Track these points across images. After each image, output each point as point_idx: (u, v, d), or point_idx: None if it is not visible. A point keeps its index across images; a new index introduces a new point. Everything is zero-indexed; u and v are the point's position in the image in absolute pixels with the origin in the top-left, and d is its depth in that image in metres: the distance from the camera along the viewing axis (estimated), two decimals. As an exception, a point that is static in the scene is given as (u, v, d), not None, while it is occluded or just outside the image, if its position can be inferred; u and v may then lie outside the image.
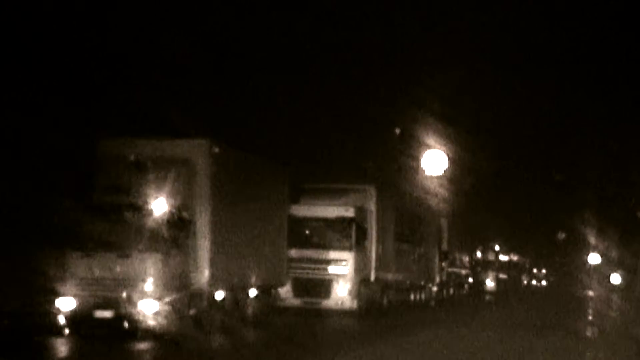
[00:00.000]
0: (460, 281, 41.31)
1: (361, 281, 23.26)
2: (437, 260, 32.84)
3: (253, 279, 17.90)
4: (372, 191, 24.50)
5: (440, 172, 39.39)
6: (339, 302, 22.68)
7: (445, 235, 35.26)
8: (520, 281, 70.44)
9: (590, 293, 62.93)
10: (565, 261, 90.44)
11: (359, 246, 23.22)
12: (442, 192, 39.31)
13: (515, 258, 67.97)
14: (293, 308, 22.62)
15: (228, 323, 16.26)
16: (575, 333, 20.46)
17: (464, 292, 41.33)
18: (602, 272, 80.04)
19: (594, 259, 75.09)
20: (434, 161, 37.11)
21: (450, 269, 36.84)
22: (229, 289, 16.73)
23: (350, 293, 22.71)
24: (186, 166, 15.50)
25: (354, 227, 23.05)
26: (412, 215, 29.02)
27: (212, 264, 15.70)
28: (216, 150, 15.91)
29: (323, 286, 22.70)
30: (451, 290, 37.29)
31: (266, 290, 19.76)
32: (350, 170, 28.10)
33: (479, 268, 48.95)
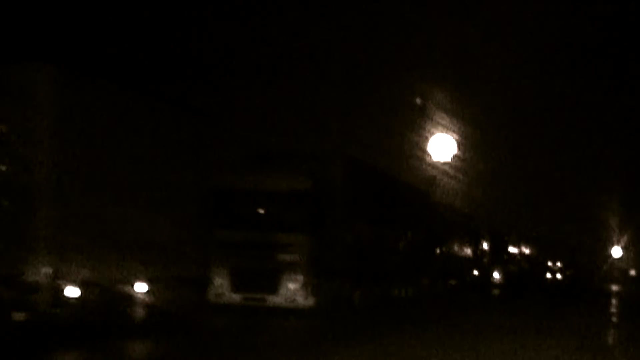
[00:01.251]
0: (461, 273, 35.98)
1: (321, 272, 18.04)
2: (429, 248, 27.48)
3: (140, 269, 12.68)
4: (339, 161, 19.27)
5: (448, 158, 35.04)
6: (290, 299, 17.48)
7: (443, 222, 30.03)
8: (533, 274, 64.75)
9: (614, 287, 58.25)
10: (583, 255, 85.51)
11: (318, 228, 17.99)
12: (448, 177, 34.87)
13: (527, 250, 62.42)
14: (232, 306, 17.51)
15: (80, 332, 11.10)
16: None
17: (466, 285, 35.94)
18: (621, 267, 75.39)
19: (617, 252, 71.09)
20: (442, 145, 33.74)
21: (448, 260, 31.58)
22: (89, 283, 11.45)
23: (304, 287, 17.50)
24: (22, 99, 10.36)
25: (311, 203, 17.82)
26: (397, 196, 23.73)
27: (56, 245, 10.54)
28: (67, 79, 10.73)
29: (269, 278, 17.52)
30: (449, 283, 31.94)
31: (181, 284, 14.59)
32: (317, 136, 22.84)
33: (485, 259, 43.51)
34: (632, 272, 76.85)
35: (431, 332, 15.93)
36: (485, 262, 43.77)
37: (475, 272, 40.73)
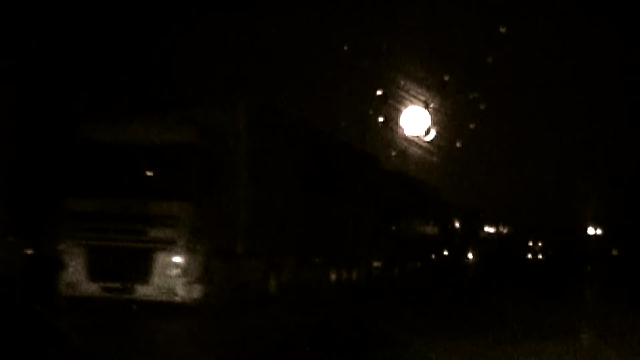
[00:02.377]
0: (426, 254, 31.38)
1: (213, 253, 13.30)
2: (381, 224, 22.75)
3: None
4: (242, 107, 14.49)
5: (422, 132, 30.73)
6: (167, 290, 12.70)
7: (400, 195, 25.35)
8: (512, 255, 60.19)
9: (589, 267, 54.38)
10: (563, 233, 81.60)
11: (209, 194, 13.22)
12: (418, 151, 30.65)
13: (505, 229, 58.05)
14: (88, 299, 12.76)
15: None
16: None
17: (433, 267, 31.35)
18: (603, 245, 71.66)
19: (592, 231, 67.43)
20: (415, 119, 29.20)
21: (408, 239, 26.91)
22: None
23: (187, 273, 12.73)
24: None
25: (195, 161, 13.02)
26: (332, 158, 18.97)
27: None
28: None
29: (138, 261, 12.74)
30: (412, 266, 27.28)
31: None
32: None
33: (457, 239, 39.01)
34: (615, 252, 72.70)
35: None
36: (457, 242, 39.29)
37: (445, 253, 36.24)
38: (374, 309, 15.30)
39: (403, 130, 29.74)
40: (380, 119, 29.55)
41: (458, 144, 36.27)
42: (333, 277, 18.68)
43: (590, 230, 70.06)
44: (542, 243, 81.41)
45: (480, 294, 20.58)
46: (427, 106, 30.84)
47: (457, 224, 39.21)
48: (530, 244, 78.61)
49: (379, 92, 27.51)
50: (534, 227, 73.06)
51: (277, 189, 15.46)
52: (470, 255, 41.63)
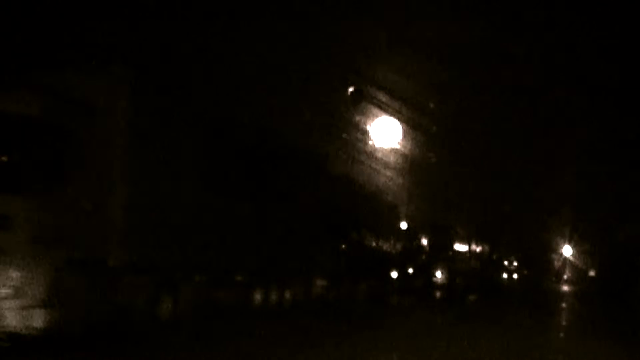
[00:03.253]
0: (386, 272, 27.85)
1: (73, 267, 9.69)
2: (326, 236, 19.19)
3: None
4: (121, 72, 10.92)
5: (394, 144, 27.45)
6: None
7: (352, 204, 21.85)
8: (486, 274, 56.78)
9: (565, 288, 51.41)
10: (538, 253, 78.70)
11: (64, 185, 9.63)
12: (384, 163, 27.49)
13: (479, 248, 54.62)
14: None
15: None
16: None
17: (394, 287, 27.81)
18: (579, 266, 68.84)
19: (567, 251, 64.64)
20: (386, 130, 25.90)
21: (363, 254, 23.35)
22: None
23: (20, 294, 9.14)
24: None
25: (44, 140, 9.44)
26: (264, 157, 15.41)
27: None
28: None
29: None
30: (361, 285, 23.67)
31: None
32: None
33: (424, 256, 35.52)
34: (592, 273, 69.66)
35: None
36: (424, 260, 35.79)
37: (410, 271, 32.71)
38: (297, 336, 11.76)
39: (370, 138, 26.73)
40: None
41: (431, 158, 33.18)
42: (258, 298, 15.04)
43: (567, 250, 67.27)
44: (517, 262, 78.40)
45: (439, 319, 17.10)
46: (398, 115, 27.55)
47: (424, 241, 35.78)
48: (506, 263, 75.41)
49: (350, 89, 24.53)
50: (508, 246, 69.96)
51: (176, 184, 11.89)
52: (439, 274, 38.12)
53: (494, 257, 62.31)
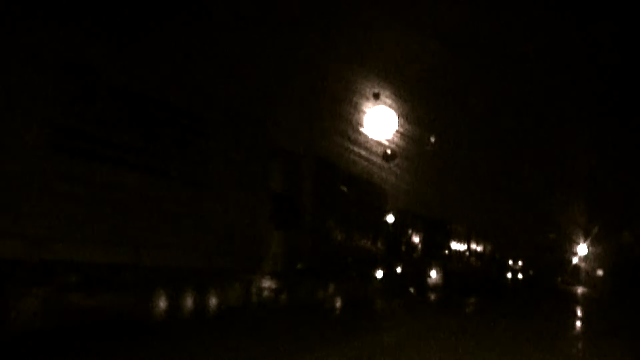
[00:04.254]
0: (367, 271, 24.06)
1: None
2: (277, 225, 15.39)
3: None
4: None
5: (389, 135, 24.40)
6: None
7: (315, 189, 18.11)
8: (488, 274, 52.65)
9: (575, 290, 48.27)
10: (545, 253, 74.87)
11: None
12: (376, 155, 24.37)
13: (480, 246, 50.65)
14: None
15: None
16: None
17: (376, 289, 24.01)
18: (587, 266, 65.31)
19: (582, 250, 61.40)
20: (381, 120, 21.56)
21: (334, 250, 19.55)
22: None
23: None
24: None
25: None
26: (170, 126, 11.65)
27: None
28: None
29: None
30: (330, 287, 19.81)
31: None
32: None
33: (416, 254, 31.71)
34: (600, 273, 65.79)
35: None
36: (416, 258, 31.98)
37: (399, 270, 28.96)
38: None
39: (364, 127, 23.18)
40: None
41: (427, 145, 29.69)
42: (162, 304, 11.28)
43: (581, 250, 63.73)
44: (522, 262, 74.43)
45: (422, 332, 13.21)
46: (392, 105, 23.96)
47: (416, 237, 31.95)
48: (511, 262, 71.46)
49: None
50: (513, 245, 66.13)
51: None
52: (433, 274, 34.28)
53: (497, 256, 58.33)
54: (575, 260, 65.53)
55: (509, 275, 68.29)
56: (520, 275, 73.18)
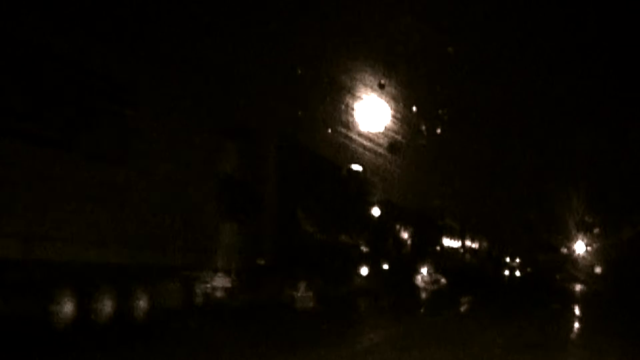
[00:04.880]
0: (346, 269, 21.79)
1: None
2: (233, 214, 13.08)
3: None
4: None
5: (381, 128, 22.00)
6: None
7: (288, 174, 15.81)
8: (484, 271, 50.18)
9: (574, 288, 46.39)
10: (543, 250, 72.45)
11: None
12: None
13: (475, 243, 48.46)
14: None
15: None
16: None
17: (353, 288, 21.67)
18: (585, 263, 62.91)
19: (580, 247, 59.05)
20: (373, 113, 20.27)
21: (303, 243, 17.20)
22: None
23: None
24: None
25: None
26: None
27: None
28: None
29: None
30: (305, 286, 17.43)
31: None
32: None
33: (403, 249, 29.46)
34: (598, 270, 63.45)
35: None
36: (404, 254, 29.71)
37: (385, 267, 26.70)
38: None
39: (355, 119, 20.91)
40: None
41: (420, 140, 27.52)
42: (67, 308, 8.98)
43: (579, 247, 61.36)
44: (520, 259, 72.18)
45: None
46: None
47: (405, 232, 29.70)
48: (508, 260, 69.24)
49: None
50: (511, 242, 63.81)
51: None
52: (424, 271, 32.01)
53: (494, 253, 56.12)
54: (574, 256, 63.39)
55: (507, 272, 66.00)
56: (518, 273, 70.91)
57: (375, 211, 26.08)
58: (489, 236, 52.20)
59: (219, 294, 12.70)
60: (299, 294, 15.85)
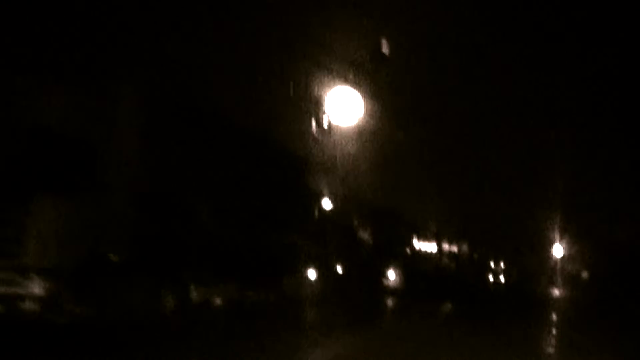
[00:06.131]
0: (285, 273, 17.45)
1: None
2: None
3: None
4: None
5: (353, 121, 18.35)
6: None
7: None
8: (465, 278, 45.77)
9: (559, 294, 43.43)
10: (528, 253, 68.56)
11: None
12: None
13: (453, 247, 44.18)
14: None
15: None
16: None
17: (286, 296, 17.32)
18: (570, 267, 59.71)
19: (558, 251, 56.47)
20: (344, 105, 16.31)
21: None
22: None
23: None
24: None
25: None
26: None
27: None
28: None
29: None
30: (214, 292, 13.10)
31: None
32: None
33: (362, 249, 25.09)
34: (584, 275, 59.72)
35: None
36: (366, 256, 25.39)
37: (339, 270, 22.42)
38: None
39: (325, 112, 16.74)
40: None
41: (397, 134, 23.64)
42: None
43: (557, 251, 57.84)
44: (504, 264, 68.10)
45: None
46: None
47: (364, 230, 25.38)
48: (492, 264, 65.21)
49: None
50: (494, 245, 59.76)
51: None
52: (391, 276, 27.74)
53: (475, 256, 51.79)
54: (558, 260, 59.58)
55: (490, 277, 61.83)
56: (502, 278, 66.65)
57: (326, 205, 21.88)
58: (471, 239, 47.97)
59: (29, 305, 8.31)
60: (187, 304, 11.45)
